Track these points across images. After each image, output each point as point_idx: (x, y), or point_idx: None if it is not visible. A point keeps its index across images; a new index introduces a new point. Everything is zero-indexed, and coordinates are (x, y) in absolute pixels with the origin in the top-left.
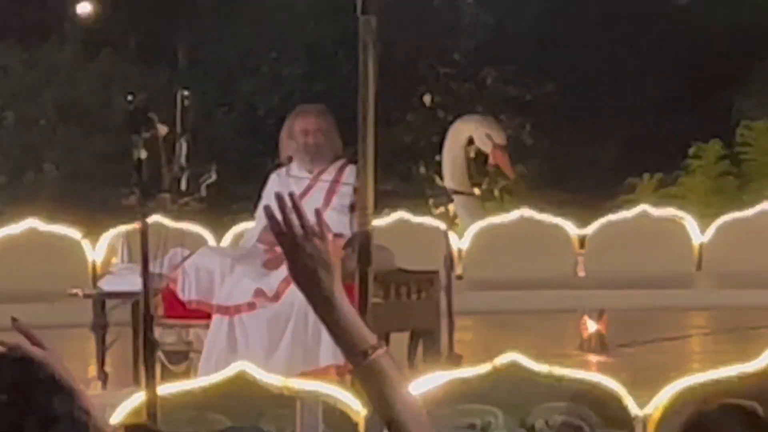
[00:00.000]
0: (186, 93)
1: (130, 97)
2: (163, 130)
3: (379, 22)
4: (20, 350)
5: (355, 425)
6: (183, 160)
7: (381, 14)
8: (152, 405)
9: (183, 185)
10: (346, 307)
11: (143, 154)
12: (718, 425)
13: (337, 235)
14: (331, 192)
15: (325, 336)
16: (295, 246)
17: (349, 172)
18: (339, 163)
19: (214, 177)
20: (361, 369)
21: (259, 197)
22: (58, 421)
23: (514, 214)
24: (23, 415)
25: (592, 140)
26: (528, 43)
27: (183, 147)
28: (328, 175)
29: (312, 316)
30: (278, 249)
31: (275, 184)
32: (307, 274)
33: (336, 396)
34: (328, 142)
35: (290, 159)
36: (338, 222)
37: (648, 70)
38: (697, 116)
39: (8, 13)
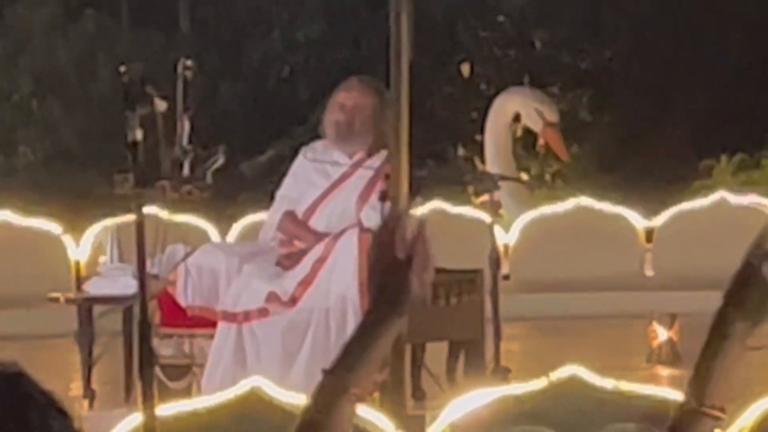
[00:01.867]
0: (188, 62)
1: (122, 68)
2: (161, 105)
3: None
4: (13, 365)
5: None
6: (185, 141)
7: None
8: (150, 429)
9: (185, 170)
10: (384, 342)
11: (138, 135)
12: None
13: (367, 231)
14: (372, 184)
15: None
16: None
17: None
18: (386, 151)
19: (221, 161)
20: (337, 395)
21: (279, 181)
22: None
23: (570, 203)
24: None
25: (660, 116)
26: (586, 3)
27: (185, 126)
28: (373, 163)
29: (333, 323)
30: (297, 243)
31: (304, 167)
32: (397, 285)
33: (363, 416)
34: (365, 124)
35: (315, 137)
36: (373, 219)
37: (728, 34)
38: None
39: None
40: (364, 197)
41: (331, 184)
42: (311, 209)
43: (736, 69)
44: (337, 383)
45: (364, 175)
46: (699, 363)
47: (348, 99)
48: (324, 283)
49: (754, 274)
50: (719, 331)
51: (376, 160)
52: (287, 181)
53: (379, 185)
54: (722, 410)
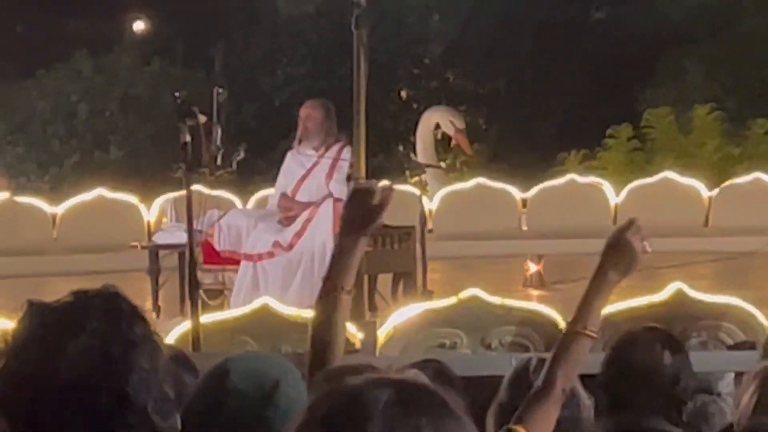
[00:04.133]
0: (220, 90)
1: (176, 94)
2: (202, 118)
3: (367, 34)
4: (111, 287)
5: (353, 344)
6: (218, 142)
7: (369, 28)
8: (195, 331)
9: (218, 161)
10: (358, 253)
11: (187, 138)
12: (643, 342)
13: (338, 200)
14: (333, 167)
15: None
16: (364, 201)
17: (346, 151)
18: (339, 144)
19: (242, 155)
20: (330, 296)
21: (277, 170)
22: (137, 345)
23: (472, 182)
24: (110, 341)
25: (531, 125)
26: (481, 49)
27: (218, 132)
28: (331, 154)
29: (318, 262)
30: (291, 212)
31: (290, 160)
32: (366, 218)
33: None
34: (316, 127)
35: (300, 141)
36: (339, 190)
37: (574, 69)
38: (612, 105)
39: (81, 30)
40: (329, 176)
41: (306, 170)
42: (296, 188)
43: (580, 93)
44: (333, 283)
45: (326, 162)
46: (582, 300)
47: (304, 112)
48: (310, 235)
49: (625, 242)
50: (598, 279)
51: (333, 152)
52: (279, 175)
53: (337, 167)
54: (595, 332)
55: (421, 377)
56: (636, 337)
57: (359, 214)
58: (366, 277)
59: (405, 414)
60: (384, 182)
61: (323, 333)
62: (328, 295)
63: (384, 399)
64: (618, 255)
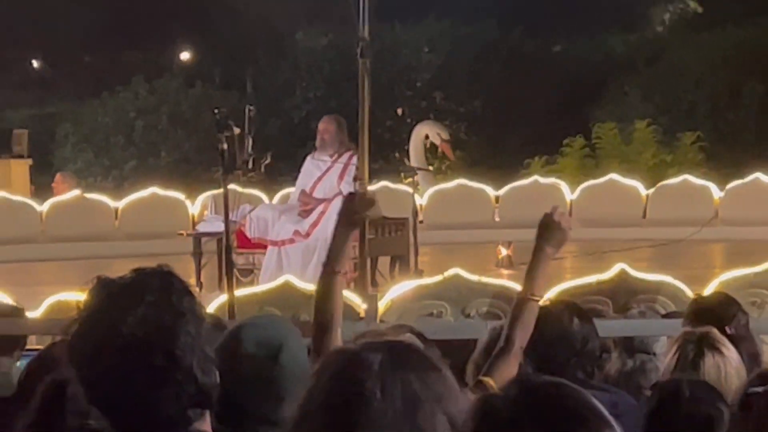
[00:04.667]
0: (250, 108)
1: (215, 111)
2: (236, 131)
3: (370, 63)
4: (165, 266)
5: (357, 314)
6: (249, 150)
7: (371, 58)
8: (231, 303)
9: (249, 165)
10: (349, 243)
11: (224, 146)
12: (555, 313)
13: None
14: (343, 171)
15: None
16: (354, 203)
17: (355, 158)
18: (349, 152)
19: (268, 160)
20: (330, 276)
21: (297, 172)
22: (185, 314)
23: (454, 183)
24: (163, 311)
25: (502, 136)
26: (462, 76)
27: (249, 142)
28: (342, 160)
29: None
30: (308, 206)
31: (308, 164)
32: (356, 215)
33: (345, 295)
34: (331, 138)
35: (315, 148)
36: (348, 189)
37: (537, 92)
38: (568, 121)
39: (137, 59)
40: (340, 177)
41: (321, 172)
42: (313, 187)
43: (544, 110)
44: (330, 267)
45: (338, 167)
46: (527, 273)
47: (321, 126)
48: (324, 225)
49: (553, 223)
50: (537, 254)
51: (344, 158)
52: (299, 176)
53: (347, 171)
54: (540, 297)
55: (414, 340)
56: (549, 310)
57: (351, 212)
58: (369, 260)
59: (396, 371)
60: (370, 188)
61: (324, 305)
62: (326, 276)
63: (378, 360)
64: (549, 233)
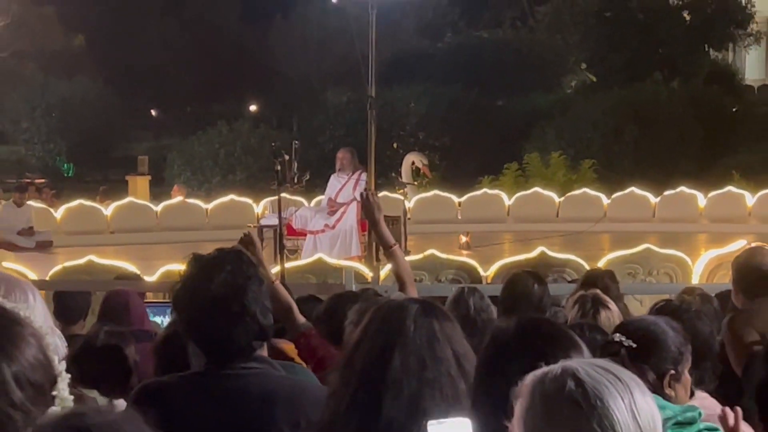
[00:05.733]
0: (296, 143)
1: (273, 144)
2: (286, 158)
3: (376, 112)
4: (238, 247)
5: (366, 279)
6: (294, 170)
7: (377, 109)
8: (282, 272)
9: (295, 181)
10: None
11: (278, 168)
12: (520, 278)
13: (359, 202)
14: (356, 183)
15: (354, 244)
16: (372, 205)
17: (364, 176)
18: (359, 171)
19: (307, 177)
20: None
21: (326, 186)
22: (252, 278)
23: (431, 192)
24: (236, 275)
25: (464, 162)
26: (437, 121)
27: (294, 164)
28: (356, 176)
29: (348, 236)
30: (333, 208)
31: (333, 179)
32: (375, 213)
33: (359, 268)
34: (347, 163)
35: (337, 169)
36: (359, 197)
37: (487, 133)
38: (507, 152)
39: (221, 108)
40: (354, 188)
41: (341, 185)
42: (336, 195)
43: (491, 145)
44: (387, 248)
45: (353, 181)
46: (378, 236)
47: (340, 154)
48: (344, 220)
49: (370, 198)
50: (373, 220)
51: (357, 176)
52: (327, 187)
53: (359, 184)
54: (396, 243)
55: (435, 301)
56: (517, 275)
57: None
58: (374, 244)
59: (425, 317)
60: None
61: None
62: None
63: (414, 308)
64: (372, 206)
